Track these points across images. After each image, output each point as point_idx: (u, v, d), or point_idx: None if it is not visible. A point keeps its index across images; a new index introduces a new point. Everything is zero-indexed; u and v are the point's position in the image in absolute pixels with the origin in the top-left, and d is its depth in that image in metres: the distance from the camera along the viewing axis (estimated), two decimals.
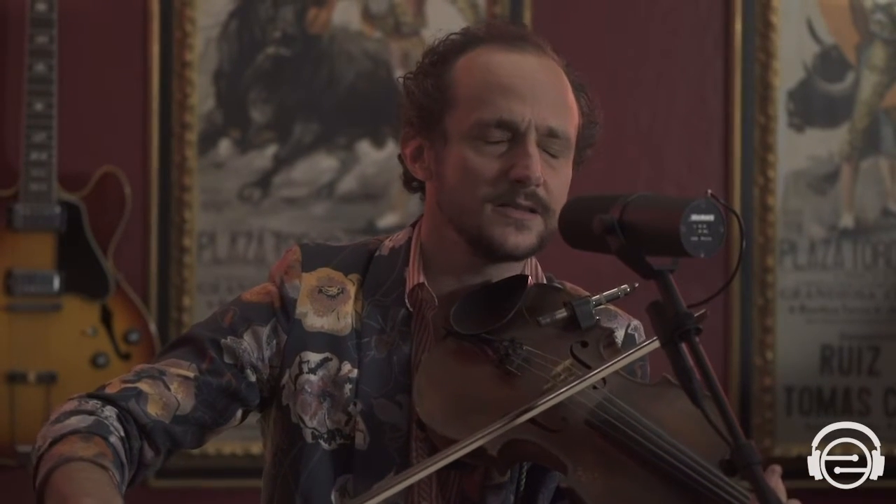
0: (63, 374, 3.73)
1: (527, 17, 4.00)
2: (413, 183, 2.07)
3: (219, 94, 3.98)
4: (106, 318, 3.80)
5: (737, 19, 4.09)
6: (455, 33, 2.04)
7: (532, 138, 1.94)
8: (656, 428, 1.82)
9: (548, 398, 1.82)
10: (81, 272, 3.78)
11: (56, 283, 3.76)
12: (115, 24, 3.94)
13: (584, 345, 1.95)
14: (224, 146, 3.98)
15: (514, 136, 1.94)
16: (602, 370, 1.86)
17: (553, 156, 1.96)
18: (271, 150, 3.99)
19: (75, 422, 1.85)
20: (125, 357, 3.78)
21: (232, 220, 3.97)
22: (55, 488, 1.75)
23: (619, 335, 2.05)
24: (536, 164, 1.93)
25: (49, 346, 3.74)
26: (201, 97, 3.96)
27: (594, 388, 1.87)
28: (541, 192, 1.94)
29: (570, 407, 1.85)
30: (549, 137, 1.95)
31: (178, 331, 3.90)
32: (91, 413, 1.87)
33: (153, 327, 3.83)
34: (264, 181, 3.98)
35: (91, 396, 1.92)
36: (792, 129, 4.14)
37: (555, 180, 1.95)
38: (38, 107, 3.71)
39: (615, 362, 1.88)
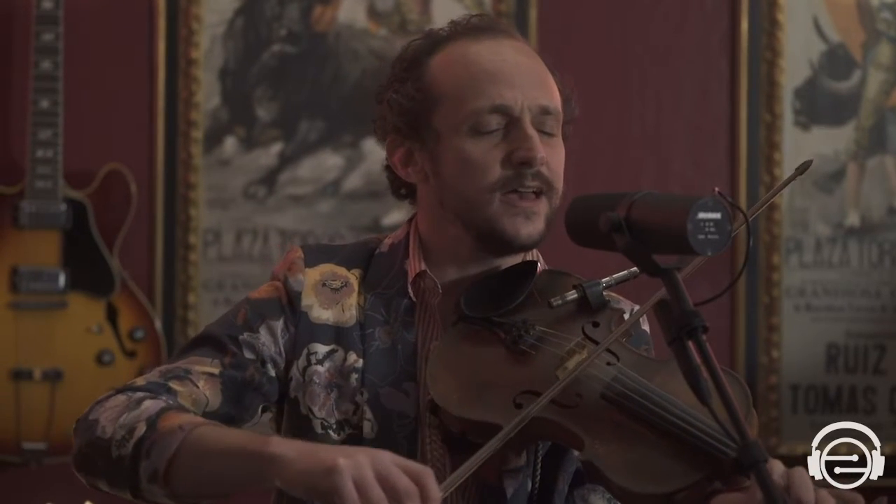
0: (68, 372, 3.73)
1: (532, 14, 3.99)
2: (402, 190, 2.08)
3: (224, 91, 3.97)
4: (111, 316, 3.79)
5: (743, 17, 4.09)
6: (417, 38, 2.07)
7: (527, 119, 1.96)
8: (671, 397, 1.83)
9: (567, 375, 1.83)
10: (87, 270, 3.78)
11: (61, 280, 3.75)
12: (120, 22, 3.94)
13: (596, 325, 1.97)
14: (229, 144, 3.98)
15: (510, 120, 1.96)
16: (612, 337, 1.88)
17: (548, 134, 1.98)
18: (277, 147, 3.99)
19: (153, 404, 1.84)
20: (130, 355, 3.78)
21: (237, 218, 3.97)
22: (206, 449, 1.75)
23: (626, 318, 2.05)
24: (537, 143, 1.95)
25: (54, 343, 3.74)
26: (207, 95, 3.96)
27: (608, 364, 1.89)
28: (544, 170, 1.96)
29: (586, 382, 1.86)
30: (542, 115, 1.97)
31: (184, 328, 3.90)
32: (154, 399, 1.86)
33: (158, 325, 3.83)
34: (270, 179, 3.98)
35: (126, 390, 1.90)
36: (798, 128, 4.13)
37: (554, 157, 1.98)
38: (44, 104, 3.71)
39: (626, 324, 1.91)
